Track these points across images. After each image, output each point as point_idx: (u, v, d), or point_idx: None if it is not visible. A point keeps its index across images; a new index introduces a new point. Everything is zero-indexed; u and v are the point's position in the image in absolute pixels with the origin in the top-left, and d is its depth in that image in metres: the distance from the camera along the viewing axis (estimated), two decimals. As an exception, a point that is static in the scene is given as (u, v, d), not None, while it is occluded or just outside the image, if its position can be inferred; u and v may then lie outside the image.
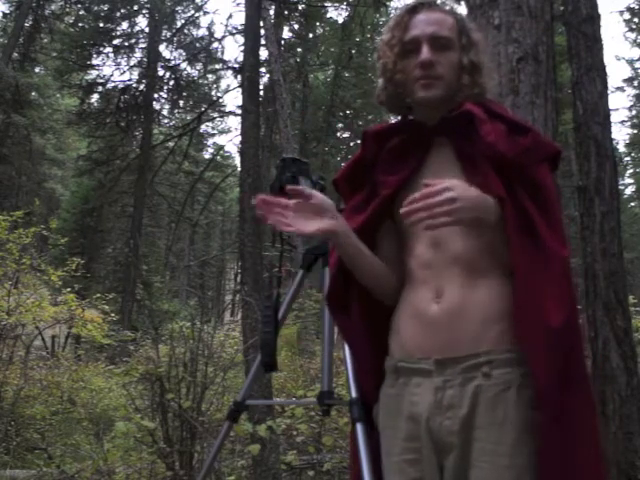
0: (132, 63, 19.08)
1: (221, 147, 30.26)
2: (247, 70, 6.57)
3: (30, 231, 7.77)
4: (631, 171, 26.38)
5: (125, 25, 19.23)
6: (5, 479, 4.83)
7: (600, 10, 4.18)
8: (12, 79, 16.26)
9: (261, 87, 11.62)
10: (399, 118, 1.49)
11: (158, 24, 18.88)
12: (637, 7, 20.51)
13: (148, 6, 18.95)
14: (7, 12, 19.95)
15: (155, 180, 18.91)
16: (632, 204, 25.29)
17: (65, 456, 5.92)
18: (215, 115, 19.89)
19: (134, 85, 18.63)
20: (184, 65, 19.16)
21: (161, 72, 19.07)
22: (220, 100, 21.83)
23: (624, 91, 24.04)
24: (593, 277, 3.74)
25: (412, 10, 1.38)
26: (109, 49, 18.78)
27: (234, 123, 43.78)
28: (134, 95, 18.32)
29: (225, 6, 71.28)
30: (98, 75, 19.04)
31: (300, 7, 17.13)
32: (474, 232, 1.26)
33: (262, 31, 9.74)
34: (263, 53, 10.67)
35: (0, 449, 5.54)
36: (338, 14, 20.50)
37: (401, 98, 1.42)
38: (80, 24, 19.02)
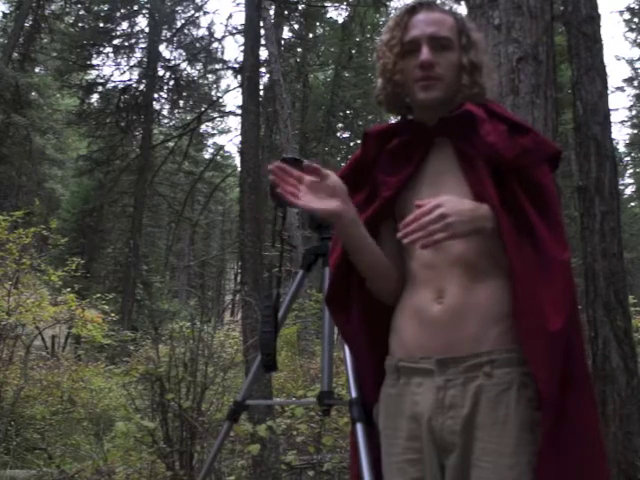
0: (132, 63, 19.11)
1: (221, 147, 30.30)
2: (247, 70, 6.56)
3: (30, 231, 7.77)
4: (631, 171, 26.39)
5: (125, 25, 19.26)
6: (5, 479, 4.84)
7: (600, 10, 4.18)
8: (12, 79, 16.26)
9: (261, 87, 11.61)
10: (398, 118, 1.49)
11: (158, 24, 18.88)
12: (637, 7, 20.52)
13: (148, 6, 18.96)
14: (7, 12, 19.99)
15: (155, 180, 18.90)
16: (632, 204, 25.27)
17: (65, 456, 5.93)
18: (215, 115, 19.88)
19: (134, 85, 18.65)
20: (184, 65, 19.19)
21: (161, 72, 19.09)
22: (220, 100, 21.86)
23: (624, 91, 24.05)
24: (593, 277, 3.74)
25: (412, 10, 1.37)
26: (109, 49, 18.79)
27: (234, 123, 43.77)
28: (134, 95, 18.33)
29: (225, 6, 71.42)
30: (98, 75, 19.08)
31: (300, 7, 17.15)
32: (476, 236, 1.26)
33: (262, 31, 9.76)
34: (263, 53, 10.68)
35: (0, 449, 5.54)
36: (338, 14, 20.52)
37: (400, 98, 1.42)
38: (80, 24, 19.02)
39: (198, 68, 19.49)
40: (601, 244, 3.75)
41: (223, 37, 21.67)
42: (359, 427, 1.65)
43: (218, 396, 4.08)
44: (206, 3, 32.17)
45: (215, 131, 27.38)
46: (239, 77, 16.24)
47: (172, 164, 19.84)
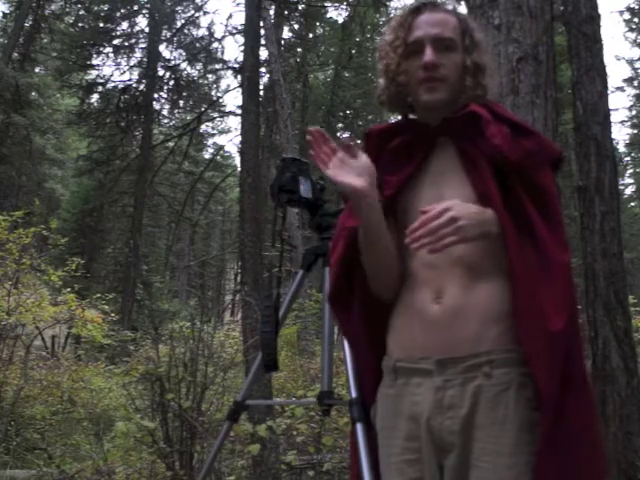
0: (132, 63, 19.11)
1: (221, 147, 30.28)
2: (247, 70, 6.56)
3: (30, 231, 7.77)
4: (631, 171, 26.39)
5: (125, 25, 19.26)
6: (5, 479, 4.84)
7: (600, 10, 4.18)
8: (12, 79, 16.26)
9: (261, 87, 11.61)
10: (400, 117, 1.49)
11: (158, 24, 18.88)
12: (637, 7, 20.52)
13: (148, 6, 18.96)
14: (7, 12, 19.99)
15: (155, 180, 18.90)
16: (632, 204, 25.27)
17: (65, 456, 5.93)
18: (215, 115, 19.89)
19: (134, 85, 18.65)
20: (184, 65, 19.20)
21: (161, 72, 19.09)
22: (220, 100, 21.86)
23: (624, 91, 24.04)
24: (593, 277, 3.74)
25: (415, 11, 1.37)
26: (109, 49, 18.79)
27: (234, 123, 43.71)
28: (134, 95, 18.33)
29: (225, 6, 71.41)
30: (98, 75, 19.08)
31: (300, 7, 17.14)
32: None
33: (262, 31, 9.75)
34: (263, 53, 10.68)
35: (0, 449, 5.54)
36: (338, 14, 20.50)
37: (403, 98, 1.42)
38: (80, 24, 19.02)
39: (198, 68, 19.52)
40: (601, 244, 3.75)
41: (223, 37, 21.69)
42: (359, 427, 1.66)
43: (218, 396, 4.08)
44: (206, 3, 32.19)
45: (215, 131, 27.41)
46: (239, 77, 16.25)
47: (172, 164, 19.84)
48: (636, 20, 21.65)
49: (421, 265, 1.31)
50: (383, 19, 16.76)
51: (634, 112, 24.00)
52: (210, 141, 30.43)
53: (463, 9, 2.30)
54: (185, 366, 3.87)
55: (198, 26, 19.49)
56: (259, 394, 4.66)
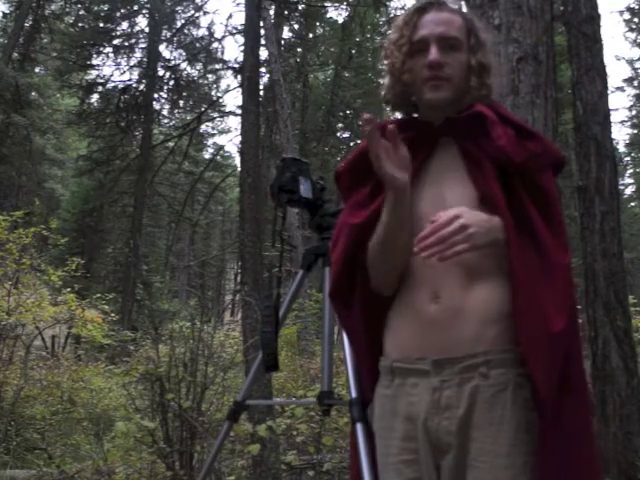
0: (132, 63, 19.10)
1: (221, 147, 30.28)
2: (247, 70, 6.56)
3: (30, 231, 7.77)
4: (631, 171, 26.38)
5: (125, 25, 19.25)
6: (5, 479, 4.83)
7: (600, 10, 4.19)
8: (12, 79, 16.25)
9: (261, 87, 11.61)
10: (403, 115, 1.49)
11: (158, 24, 18.87)
12: (637, 7, 20.52)
13: (148, 6, 18.95)
14: (7, 12, 19.98)
15: (155, 180, 18.90)
16: (632, 204, 25.27)
17: (65, 456, 5.93)
18: (215, 115, 19.89)
19: (134, 85, 18.64)
20: (184, 65, 19.19)
21: (161, 72, 19.08)
22: (220, 100, 21.86)
23: (624, 91, 24.04)
24: (593, 277, 3.75)
25: (421, 10, 1.37)
26: (109, 49, 18.79)
27: (234, 123, 43.70)
28: (134, 95, 18.32)
29: (225, 6, 71.39)
30: (98, 75, 19.08)
31: (300, 7, 17.14)
32: None
33: (262, 31, 9.75)
34: (263, 53, 10.68)
35: (0, 449, 5.54)
36: (338, 14, 20.49)
37: (407, 97, 1.42)
38: (80, 24, 19.01)
39: (198, 68, 19.52)
40: (601, 244, 3.76)
41: (223, 37, 21.69)
42: (359, 427, 1.66)
43: (218, 396, 4.08)
44: (206, 3, 32.19)
45: (215, 131, 27.41)
46: (239, 77, 16.25)
47: (172, 164, 19.84)
48: (636, 20, 21.64)
49: (420, 264, 1.31)
50: (383, 19, 16.78)
51: (634, 112, 24.00)
52: (210, 141, 30.43)
53: (463, 9, 2.30)
54: (185, 366, 3.87)
55: (198, 26, 19.52)
56: (259, 394, 4.66)
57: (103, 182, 19.07)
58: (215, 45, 18.67)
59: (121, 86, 18.36)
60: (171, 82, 19.08)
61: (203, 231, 26.35)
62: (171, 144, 18.14)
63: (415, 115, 1.45)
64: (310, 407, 3.87)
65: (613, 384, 3.56)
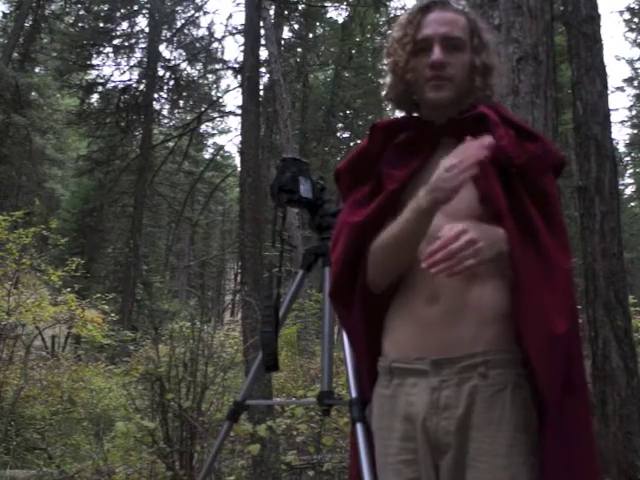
0: (132, 63, 19.11)
1: (221, 147, 30.29)
2: (247, 70, 6.56)
3: (30, 231, 7.77)
4: (631, 171, 26.38)
5: (125, 25, 19.26)
6: (5, 479, 4.83)
7: (600, 10, 4.19)
8: (12, 79, 16.25)
9: (261, 87, 11.60)
10: (405, 114, 1.49)
11: (158, 24, 18.87)
12: (637, 7, 20.52)
13: (148, 6, 18.95)
14: (7, 12, 19.98)
15: (155, 180, 18.90)
16: (632, 204, 25.27)
17: (65, 456, 5.93)
18: (215, 115, 19.89)
19: (134, 85, 18.64)
20: (184, 65, 19.19)
21: (161, 72, 19.08)
22: (220, 100, 21.86)
23: (624, 91, 24.04)
24: (593, 277, 3.75)
25: (425, 9, 1.36)
26: (109, 49, 18.79)
27: (234, 123, 43.74)
28: (134, 95, 18.32)
29: (225, 6, 71.38)
30: (98, 75, 19.08)
31: (300, 7, 17.14)
32: None
33: (262, 31, 9.75)
34: (263, 53, 10.67)
35: (0, 449, 5.54)
36: (338, 14, 20.50)
37: (409, 96, 1.42)
38: (80, 24, 19.02)
39: (198, 68, 19.52)
40: (601, 244, 3.76)
41: (223, 37, 21.72)
42: (359, 427, 1.66)
43: (218, 396, 4.08)
44: (206, 3, 32.20)
45: (215, 131, 27.41)
46: (239, 77, 16.26)
47: (172, 164, 19.84)
48: (636, 20, 21.64)
49: (417, 264, 1.31)
50: (383, 19, 16.77)
51: (634, 112, 24.00)
52: (210, 141, 30.48)
53: (468, 10, 2.30)
54: (185, 366, 3.87)
55: (198, 26, 19.53)
56: (259, 394, 4.66)
57: (103, 182, 19.07)
58: (215, 45, 18.71)
59: (121, 86, 18.38)
60: (171, 82, 19.09)
61: (203, 231, 26.36)
62: (171, 144, 18.15)
63: (416, 114, 1.45)
64: (310, 407, 3.87)
65: (613, 384, 3.56)
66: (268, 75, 13.07)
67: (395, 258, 1.32)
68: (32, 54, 19.49)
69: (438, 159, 1.37)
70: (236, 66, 16.72)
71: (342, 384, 4.42)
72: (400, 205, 1.37)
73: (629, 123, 24.50)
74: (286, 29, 18.39)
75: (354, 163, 1.47)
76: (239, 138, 16.75)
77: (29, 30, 18.84)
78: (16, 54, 18.32)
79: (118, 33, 19.01)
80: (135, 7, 19.09)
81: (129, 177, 18.92)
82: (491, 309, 1.24)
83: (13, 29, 17.84)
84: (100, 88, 18.70)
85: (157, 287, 18.39)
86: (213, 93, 21.36)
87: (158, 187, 19.98)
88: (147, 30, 19.22)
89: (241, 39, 14.22)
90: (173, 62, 19.10)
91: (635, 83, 23.73)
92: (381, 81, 1.45)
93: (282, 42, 17.34)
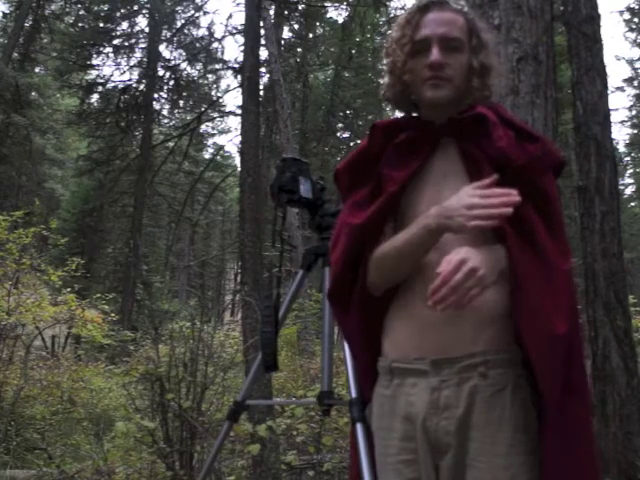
0: (132, 63, 19.11)
1: (221, 147, 30.30)
2: (247, 70, 6.56)
3: (30, 231, 7.77)
4: (631, 171, 26.39)
5: (125, 25, 19.25)
6: (5, 479, 4.83)
7: (600, 10, 4.19)
8: (12, 79, 16.25)
9: (261, 87, 11.60)
10: (404, 114, 1.48)
11: (158, 24, 18.87)
12: (637, 7, 20.52)
13: (148, 6, 18.95)
14: (7, 12, 19.98)
15: (155, 180, 18.90)
16: (632, 204, 25.27)
17: (65, 456, 5.93)
18: (215, 115, 19.89)
19: (134, 85, 18.64)
20: (184, 65, 19.19)
21: (161, 72, 19.08)
22: (220, 100, 21.86)
23: (624, 91, 24.05)
24: (593, 277, 3.75)
25: (423, 9, 1.36)
26: (109, 49, 18.79)
27: (234, 123, 43.80)
28: (134, 95, 18.32)
29: (225, 6, 71.36)
30: (98, 75, 19.08)
31: (300, 7, 17.14)
32: (477, 240, 1.25)
33: (262, 31, 9.75)
34: (263, 53, 10.67)
35: (0, 449, 5.54)
36: (338, 14, 20.51)
37: (408, 96, 1.42)
38: (80, 24, 19.02)
39: (198, 68, 19.52)
40: (601, 244, 3.76)
41: (223, 37, 21.75)
42: (359, 427, 1.66)
43: (218, 396, 4.08)
44: (206, 3, 32.21)
45: (215, 131, 27.42)
46: (239, 77, 16.26)
47: (172, 164, 19.85)
48: (636, 20, 21.65)
49: (417, 266, 1.31)
50: (383, 19, 16.77)
51: (634, 112, 24.00)
52: (210, 141, 30.50)
53: (467, 9, 2.30)
54: (185, 366, 3.87)
55: (198, 26, 19.53)
56: (259, 394, 4.66)
57: (103, 182, 19.07)
58: (215, 45, 18.71)
59: (121, 86, 18.38)
60: (171, 82, 19.09)
61: (203, 231, 26.36)
62: (171, 144, 18.15)
63: (415, 114, 1.45)
64: (310, 407, 3.87)
65: (613, 384, 3.56)
66: (268, 75, 13.07)
67: (397, 268, 1.32)
68: (32, 54, 19.49)
69: (438, 159, 1.37)
70: (236, 66, 16.73)
71: (342, 384, 4.42)
72: (400, 207, 1.37)
73: (629, 123, 24.53)
74: (286, 29, 18.40)
75: (354, 163, 1.47)
76: (239, 138, 16.77)
77: (29, 30, 18.84)
78: (16, 54, 18.32)
79: (118, 33, 19.02)
80: (135, 7, 19.09)
81: (129, 177, 18.92)
82: (490, 309, 1.24)
83: (13, 29, 17.84)
84: (100, 88, 18.70)
85: (157, 287, 18.39)
86: (213, 93, 21.40)
87: (158, 187, 19.98)
88: (147, 30, 19.22)
89: (241, 39, 14.23)
90: (173, 62, 19.12)
91: (635, 83, 23.73)
92: (381, 81, 1.45)
93: (282, 42, 17.34)
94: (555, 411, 1.19)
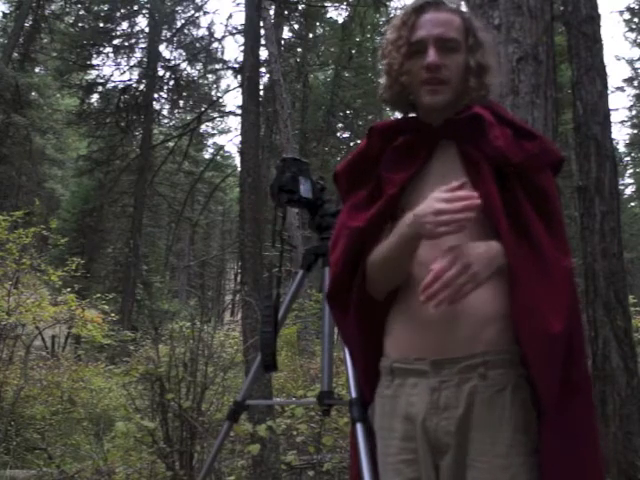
0: (132, 63, 19.11)
1: (221, 147, 30.31)
2: (247, 70, 6.56)
3: (30, 231, 7.77)
4: (631, 171, 26.39)
5: (125, 25, 19.26)
6: (5, 479, 4.83)
7: (600, 10, 4.19)
8: (12, 79, 16.25)
9: (261, 87, 11.60)
10: (402, 116, 1.48)
11: (158, 24, 18.87)
12: (637, 7, 20.53)
13: (148, 6, 18.95)
14: (7, 12, 19.99)
15: (155, 180, 18.90)
16: (632, 204, 25.27)
17: (65, 456, 5.93)
18: (215, 115, 19.89)
19: (134, 85, 18.64)
20: (184, 65, 19.19)
21: (161, 72, 19.08)
22: (220, 100, 21.86)
23: (624, 91, 24.06)
24: (593, 277, 3.75)
25: (419, 9, 1.35)
26: (109, 49, 18.79)
27: (234, 123, 43.82)
28: (134, 95, 18.32)
29: (225, 6, 71.38)
30: (98, 75, 19.08)
31: (300, 7, 17.14)
32: (475, 235, 1.25)
33: (262, 31, 9.75)
34: (263, 53, 10.67)
35: (0, 449, 5.54)
36: (338, 14, 20.50)
37: (405, 97, 1.42)
38: (80, 24, 19.02)
39: (198, 68, 19.52)
40: (601, 244, 3.75)
41: (223, 37, 21.74)
42: (359, 427, 1.66)
43: (218, 396, 4.08)
44: (206, 3, 32.21)
45: (215, 131, 27.41)
46: (239, 77, 16.26)
47: (172, 164, 19.85)
48: (636, 20, 21.65)
49: (416, 265, 1.31)
50: (383, 19, 16.76)
51: (634, 112, 24.00)
52: (210, 141, 30.51)
53: (463, 9, 2.30)
54: (185, 366, 3.87)
55: (198, 26, 19.53)
56: (259, 394, 4.66)
57: (103, 182, 19.07)
58: (215, 45, 18.71)
59: (121, 86, 18.38)
60: (171, 82, 19.09)
61: (203, 231, 26.36)
62: (171, 144, 18.15)
63: (413, 115, 1.44)
64: (310, 407, 3.87)
65: (613, 384, 3.56)
66: (268, 75, 13.07)
67: (388, 274, 1.33)
68: (32, 54, 19.49)
69: (437, 162, 1.37)
70: (236, 66, 16.73)
71: (342, 384, 4.42)
72: (400, 209, 1.37)
73: (629, 123, 24.53)
74: (286, 29, 18.40)
75: (352, 166, 1.47)
76: (239, 138, 16.77)
77: (29, 30, 18.84)
78: (16, 54, 18.32)
79: (118, 33, 19.02)
80: (135, 7, 19.09)
81: (129, 177, 18.92)
82: (490, 309, 1.24)
83: (13, 29, 17.84)
84: (100, 88, 18.70)
85: (157, 287, 18.40)
86: (213, 93, 21.40)
87: (158, 187, 19.98)
88: (147, 30, 19.23)
89: (241, 39, 14.23)
90: (173, 62, 19.12)
91: (635, 83, 23.74)
92: (380, 81, 1.45)
93: (282, 42, 17.34)
94: (554, 412, 1.18)
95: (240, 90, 12.91)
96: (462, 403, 1.21)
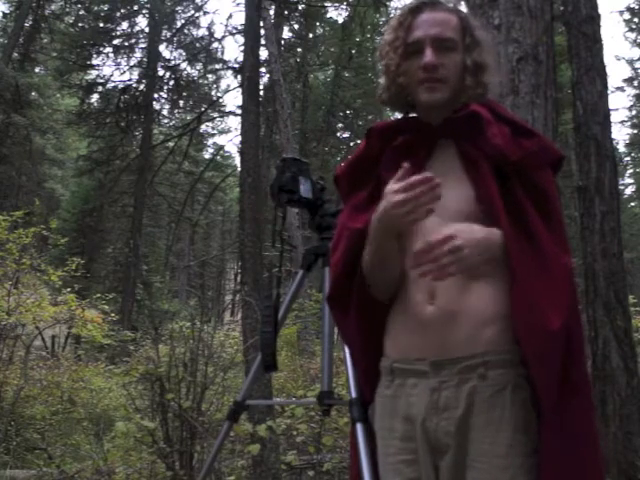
0: (132, 63, 19.10)
1: (221, 147, 30.30)
2: (247, 70, 6.56)
3: (30, 231, 7.77)
4: (631, 171, 26.38)
5: (125, 25, 19.26)
6: (5, 479, 4.83)
7: (600, 10, 4.19)
8: (12, 79, 16.25)
9: (261, 87, 11.60)
10: (402, 115, 1.48)
11: (158, 24, 18.87)
12: (637, 7, 20.53)
13: (148, 6, 18.95)
14: (7, 12, 19.98)
15: (155, 180, 18.90)
16: (632, 204, 25.26)
17: (65, 456, 5.93)
18: (215, 115, 19.89)
19: (134, 85, 18.64)
20: (184, 65, 19.19)
21: (161, 72, 19.08)
22: (220, 100, 21.86)
23: (624, 91, 24.05)
24: (593, 277, 3.75)
25: (415, 10, 1.35)
26: (109, 49, 18.79)
27: (234, 123, 43.81)
28: (134, 95, 18.32)
29: (225, 6, 71.38)
30: (98, 75, 19.08)
31: (300, 7, 17.14)
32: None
33: (262, 31, 9.75)
34: (263, 53, 10.67)
35: (0, 449, 5.54)
36: (338, 14, 20.51)
37: (403, 97, 1.42)
38: (80, 24, 19.02)
39: (198, 68, 19.51)
40: (601, 244, 3.76)
41: (223, 37, 21.72)
42: (359, 427, 1.66)
43: (218, 396, 4.08)
44: (206, 3, 32.22)
45: (215, 131, 27.40)
46: (239, 77, 16.25)
47: (172, 164, 19.84)
48: (636, 20, 21.65)
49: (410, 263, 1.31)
50: (383, 19, 16.76)
51: (634, 112, 24.00)
52: (210, 141, 30.50)
53: (463, 9, 2.30)
54: (185, 366, 3.87)
55: (198, 26, 19.52)
56: (259, 394, 4.66)
57: (103, 182, 19.07)
58: (215, 45, 18.70)
59: (121, 86, 18.37)
60: (171, 82, 19.09)
61: (203, 231, 26.36)
62: (171, 144, 18.14)
63: (413, 115, 1.44)
64: (310, 407, 3.87)
65: (613, 384, 3.56)
66: (268, 75, 13.07)
67: (382, 272, 1.33)
68: (32, 54, 19.49)
69: (436, 161, 1.37)
70: (236, 66, 16.73)
71: (342, 384, 4.42)
72: None
73: (629, 123, 24.53)
74: (286, 29, 18.40)
75: (352, 167, 1.47)
76: (239, 138, 16.77)
77: (29, 30, 18.84)
78: (16, 54, 18.31)
79: (118, 33, 19.02)
80: (135, 7, 19.09)
81: (129, 177, 18.92)
82: (490, 309, 1.24)
83: (13, 29, 17.84)
84: (100, 88, 18.70)
85: (157, 287, 18.40)
86: (213, 93, 21.39)
87: (158, 187, 19.98)
88: (147, 30, 19.22)
89: (241, 39, 14.22)
90: (173, 62, 19.12)
91: (635, 83, 23.73)
92: (380, 81, 1.45)
93: (282, 42, 17.34)
94: (553, 411, 1.18)
95: (240, 90, 12.91)
96: (462, 403, 1.21)
